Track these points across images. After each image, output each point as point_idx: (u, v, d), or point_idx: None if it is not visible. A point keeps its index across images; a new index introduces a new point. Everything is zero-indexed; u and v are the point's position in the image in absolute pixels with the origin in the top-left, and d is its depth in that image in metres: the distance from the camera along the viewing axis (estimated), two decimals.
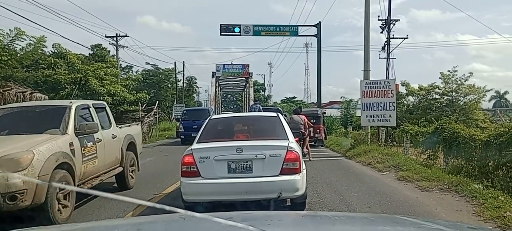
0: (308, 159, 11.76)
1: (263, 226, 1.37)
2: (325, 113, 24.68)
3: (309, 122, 13.30)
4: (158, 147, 19.15)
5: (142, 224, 2.00)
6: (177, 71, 45.80)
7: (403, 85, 24.14)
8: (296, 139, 11.66)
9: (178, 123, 22.26)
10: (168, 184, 8.33)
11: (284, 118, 7.25)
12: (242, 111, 30.79)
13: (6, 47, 18.61)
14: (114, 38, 31.80)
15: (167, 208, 1.17)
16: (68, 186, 1.23)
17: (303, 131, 12.24)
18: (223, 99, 55.24)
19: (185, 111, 23.48)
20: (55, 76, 22.61)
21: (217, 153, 5.39)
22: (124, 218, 5.48)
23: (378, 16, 21.78)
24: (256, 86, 53.40)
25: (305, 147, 12.14)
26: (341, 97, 42.33)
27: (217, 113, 24.55)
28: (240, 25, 25.56)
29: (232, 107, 61.94)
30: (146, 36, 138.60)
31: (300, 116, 12.63)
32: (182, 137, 20.32)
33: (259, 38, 67.15)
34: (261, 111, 16.11)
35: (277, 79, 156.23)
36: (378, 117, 14.12)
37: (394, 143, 15.80)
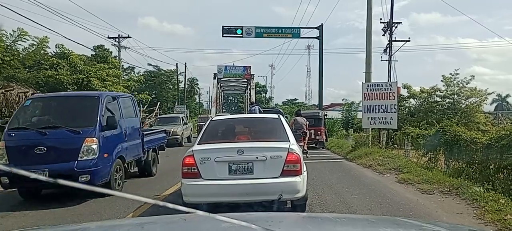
0: (306, 156, 12.40)
1: (264, 226, 1.37)
2: (326, 115, 24.68)
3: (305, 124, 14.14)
4: None
5: (145, 224, 2.02)
6: (179, 73, 45.90)
7: (404, 88, 24.11)
8: (302, 139, 12.32)
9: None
10: (168, 186, 8.35)
11: (285, 120, 7.26)
12: (243, 113, 30.73)
13: (9, 47, 18.67)
14: (116, 39, 31.88)
15: (171, 206, 1.18)
16: (74, 184, 1.26)
17: (305, 131, 13.53)
18: (224, 101, 55.22)
19: (26, 104, 8.24)
20: (57, 77, 22.68)
21: (218, 154, 5.38)
22: (126, 218, 5.49)
23: (380, 19, 21.62)
24: (257, 88, 53.47)
25: (305, 146, 13.25)
26: (342, 100, 42.44)
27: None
28: (242, 27, 25.61)
29: (233, 109, 61.92)
30: (148, 37, 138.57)
31: (301, 117, 14.02)
32: (6, 181, 7.00)
33: (261, 40, 67.32)
34: (261, 113, 16.11)
35: (279, 81, 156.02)
36: (379, 119, 14.13)
37: (395, 145, 15.79)
